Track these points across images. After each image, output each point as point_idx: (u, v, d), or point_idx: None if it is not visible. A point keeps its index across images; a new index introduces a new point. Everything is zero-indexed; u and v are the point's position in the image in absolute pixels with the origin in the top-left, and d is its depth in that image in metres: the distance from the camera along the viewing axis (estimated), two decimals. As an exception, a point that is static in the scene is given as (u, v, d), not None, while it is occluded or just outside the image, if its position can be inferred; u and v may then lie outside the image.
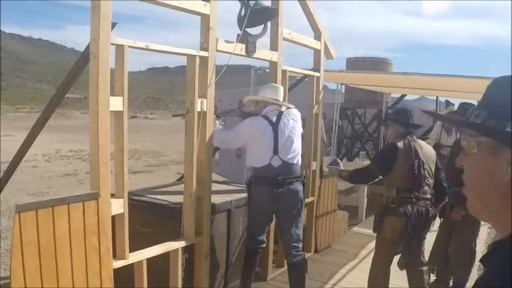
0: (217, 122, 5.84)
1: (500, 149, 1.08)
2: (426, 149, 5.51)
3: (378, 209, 5.64)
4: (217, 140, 5.74)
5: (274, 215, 5.76)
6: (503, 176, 1.08)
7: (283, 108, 5.73)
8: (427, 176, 5.38)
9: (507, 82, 1.14)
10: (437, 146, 9.42)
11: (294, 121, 5.67)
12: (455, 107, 10.02)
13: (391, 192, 5.36)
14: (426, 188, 5.36)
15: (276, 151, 5.46)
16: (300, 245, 5.69)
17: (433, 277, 6.34)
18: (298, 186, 5.61)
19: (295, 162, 5.61)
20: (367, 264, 7.06)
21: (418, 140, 5.59)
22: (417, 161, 5.30)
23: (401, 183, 5.30)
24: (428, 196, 5.38)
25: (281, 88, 5.94)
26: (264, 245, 5.87)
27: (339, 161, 6.22)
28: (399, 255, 5.50)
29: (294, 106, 5.88)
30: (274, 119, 5.56)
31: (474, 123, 1.16)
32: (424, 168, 5.34)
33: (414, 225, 5.24)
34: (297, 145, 5.67)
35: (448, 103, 17.20)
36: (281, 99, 5.81)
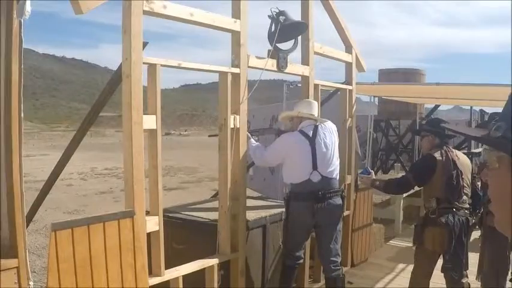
0: (252, 139, 5.87)
1: None
2: (463, 159, 5.48)
3: (418, 220, 5.57)
4: (255, 158, 5.78)
5: (312, 230, 5.71)
6: None
7: (318, 123, 5.70)
8: (465, 185, 5.36)
9: None
10: None
11: (330, 134, 5.64)
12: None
13: (430, 203, 5.32)
14: (465, 197, 5.33)
15: (315, 166, 5.42)
16: (339, 259, 5.64)
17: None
18: (338, 201, 5.57)
19: (334, 176, 5.57)
20: (404, 278, 7.00)
21: (454, 150, 5.55)
22: (455, 171, 5.27)
23: (441, 194, 5.26)
24: (467, 205, 5.35)
25: (315, 103, 5.92)
26: (302, 260, 5.84)
27: (370, 169, 6.17)
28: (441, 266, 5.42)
29: (328, 120, 5.86)
30: (310, 133, 5.53)
31: (482, 138, 1.09)
32: (462, 178, 5.31)
33: (458, 235, 5.18)
34: (335, 159, 5.64)
35: (482, 112, 16.99)
36: (316, 114, 5.77)
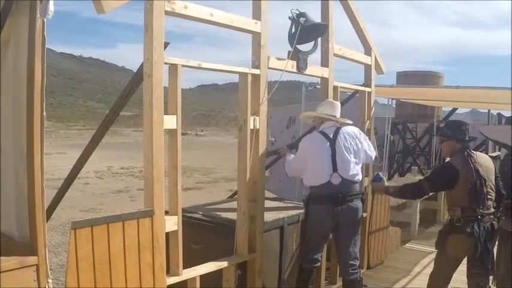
0: (287, 153, 5.95)
1: None
2: (485, 163, 5.34)
3: (444, 226, 5.47)
4: (289, 170, 5.83)
5: (331, 233, 5.67)
6: None
7: (340, 125, 5.66)
8: (490, 191, 5.22)
9: None
10: None
11: (352, 138, 5.55)
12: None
13: (455, 212, 5.22)
14: (490, 202, 5.21)
15: (335, 168, 5.36)
16: (357, 262, 5.58)
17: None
18: (358, 204, 5.51)
19: (355, 179, 5.49)
20: (420, 281, 6.98)
21: (476, 153, 5.45)
22: (478, 180, 5.16)
23: (465, 203, 5.14)
24: (492, 210, 5.24)
25: (338, 104, 5.87)
26: (319, 263, 5.81)
27: (381, 175, 6.01)
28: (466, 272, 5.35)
29: (352, 122, 5.83)
30: (331, 135, 5.47)
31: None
32: (486, 185, 5.19)
33: (484, 243, 5.10)
34: (357, 162, 5.54)
35: (500, 116, 16.86)
36: (338, 116, 5.72)
